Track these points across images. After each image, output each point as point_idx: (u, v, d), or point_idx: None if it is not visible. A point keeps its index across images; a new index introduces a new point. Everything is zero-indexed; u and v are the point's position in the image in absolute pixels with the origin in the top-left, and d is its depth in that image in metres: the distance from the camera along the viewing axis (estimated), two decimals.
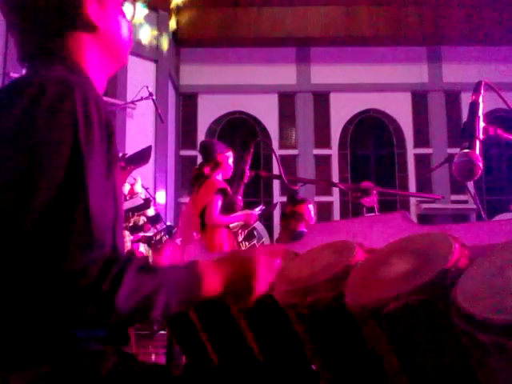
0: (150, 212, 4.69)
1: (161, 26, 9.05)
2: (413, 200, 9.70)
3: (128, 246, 4.12)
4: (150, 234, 4.54)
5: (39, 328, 0.76)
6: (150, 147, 4.30)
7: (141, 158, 4.08)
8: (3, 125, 0.78)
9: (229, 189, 3.51)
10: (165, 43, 9.14)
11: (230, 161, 3.83)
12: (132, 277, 0.75)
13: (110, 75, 1.05)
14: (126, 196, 4.39)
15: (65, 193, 0.74)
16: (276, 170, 8.62)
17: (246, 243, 4.31)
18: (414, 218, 8.92)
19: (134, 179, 4.68)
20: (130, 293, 0.74)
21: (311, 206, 4.49)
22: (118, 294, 0.72)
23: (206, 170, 3.78)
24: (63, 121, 0.76)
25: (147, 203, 4.42)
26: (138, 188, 4.69)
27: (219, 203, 3.58)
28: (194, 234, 3.74)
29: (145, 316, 0.79)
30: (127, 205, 4.09)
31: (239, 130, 10.38)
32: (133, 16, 1.10)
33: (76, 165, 0.76)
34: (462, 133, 1.35)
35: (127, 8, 1.08)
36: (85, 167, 0.76)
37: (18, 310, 0.75)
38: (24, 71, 0.98)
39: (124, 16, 1.05)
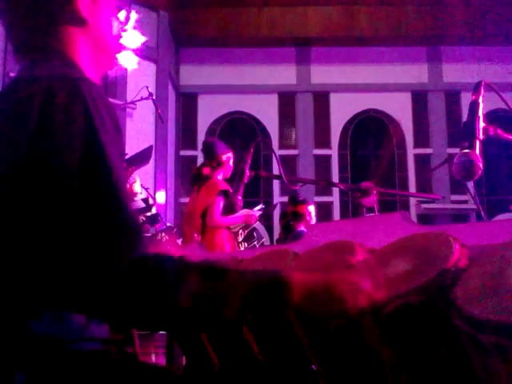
0: (153, 210, 4.66)
1: (161, 25, 9.04)
2: (413, 200, 9.69)
3: None
4: (149, 234, 4.53)
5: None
6: (150, 147, 4.29)
7: (141, 158, 4.08)
8: (16, 133, 0.77)
9: (230, 190, 3.51)
10: (164, 43, 9.13)
11: (231, 162, 3.84)
12: (199, 278, 0.73)
13: (101, 74, 1.06)
14: None
15: (101, 192, 0.74)
16: (276, 170, 8.61)
17: (246, 244, 4.31)
18: (414, 218, 8.91)
19: (133, 179, 4.66)
20: (196, 292, 0.72)
21: (312, 207, 4.50)
22: (181, 293, 0.71)
23: (206, 170, 3.78)
24: (78, 122, 0.77)
25: (148, 206, 4.41)
26: (137, 188, 4.68)
27: (221, 205, 3.58)
28: (195, 234, 3.74)
29: (217, 318, 0.76)
30: None
31: (239, 129, 10.37)
32: (127, 19, 1.10)
33: (103, 162, 0.76)
34: (462, 133, 1.36)
35: (121, 12, 1.08)
36: (110, 162, 0.76)
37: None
38: (20, 70, 0.97)
39: (116, 18, 1.06)
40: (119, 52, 1.08)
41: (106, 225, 0.73)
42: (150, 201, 4.61)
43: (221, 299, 0.74)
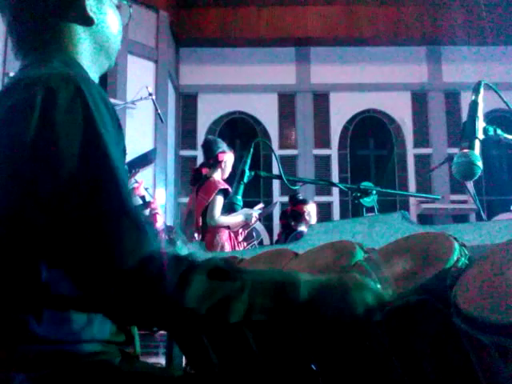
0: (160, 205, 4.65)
1: (161, 25, 9.04)
2: (413, 200, 9.68)
3: None
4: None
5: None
6: (154, 149, 4.29)
7: (145, 160, 4.07)
8: (17, 134, 0.77)
9: (229, 189, 3.51)
10: (164, 43, 9.13)
11: (230, 162, 3.83)
12: (204, 278, 0.73)
13: (101, 73, 1.05)
14: None
15: (104, 193, 0.74)
16: (276, 170, 8.61)
17: (246, 243, 4.31)
18: (413, 218, 8.91)
19: (138, 183, 4.66)
20: (202, 293, 0.71)
21: (313, 207, 4.49)
22: (186, 293, 0.70)
23: (204, 170, 3.79)
24: (81, 123, 0.77)
25: (146, 203, 4.41)
26: (142, 191, 4.67)
27: (220, 204, 3.58)
28: (195, 234, 3.74)
29: (223, 318, 0.74)
30: None
31: (239, 129, 10.37)
32: (129, 18, 1.10)
33: (104, 161, 0.76)
34: (461, 133, 1.36)
35: (123, 11, 1.08)
36: (112, 162, 0.76)
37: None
38: (20, 68, 0.97)
39: (117, 16, 1.06)
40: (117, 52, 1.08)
41: (109, 224, 0.73)
42: (148, 198, 4.60)
43: (226, 301, 0.73)
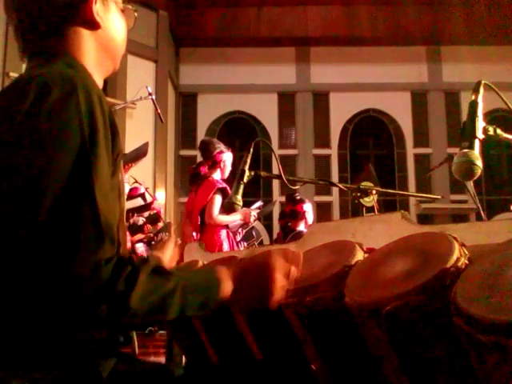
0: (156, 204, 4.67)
1: (160, 25, 9.04)
2: (412, 200, 9.69)
3: (128, 246, 4.11)
4: (150, 234, 4.53)
5: (45, 331, 0.76)
6: (146, 143, 4.32)
7: (138, 154, 4.09)
8: (8, 126, 0.77)
9: (228, 188, 3.51)
10: (164, 43, 9.13)
11: (229, 162, 3.83)
12: (147, 277, 0.76)
13: (105, 76, 1.06)
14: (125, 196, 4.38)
15: (72, 194, 0.74)
16: (276, 170, 8.61)
17: (245, 243, 4.31)
18: (413, 217, 8.91)
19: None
20: (145, 293, 0.74)
21: (310, 206, 4.49)
22: (132, 294, 0.73)
23: (203, 169, 3.79)
24: (68, 122, 0.77)
25: (148, 205, 4.42)
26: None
27: (219, 203, 3.58)
28: (194, 233, 3.74)
29: (160, 317, 0.79)
30: (127, 205, 4.09)
31: (239, 129, 10.37)
32: (133, 21, 1.10)
33: (82, 165, 0.76)
34: (461, 133, 1.35)
35: (128, 15, 1.09)
36: (91, 167, 0.76)
37: (27, 312, 0.74)
38: (24, 68, 0.97)
39: (123, 20, 1.06)
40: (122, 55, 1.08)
41: (72, 230, 0.73)
42: (148, 198, 4.61)
43: (163, 299, 0.77)
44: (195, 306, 0.83)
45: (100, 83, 1.02)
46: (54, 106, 0.76)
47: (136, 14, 1.11)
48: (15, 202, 0.73)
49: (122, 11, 1.06)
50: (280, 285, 0.91)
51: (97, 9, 0.97)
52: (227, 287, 0.88)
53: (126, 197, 4.20)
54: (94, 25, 0.98)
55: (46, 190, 0.73)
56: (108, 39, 1.01)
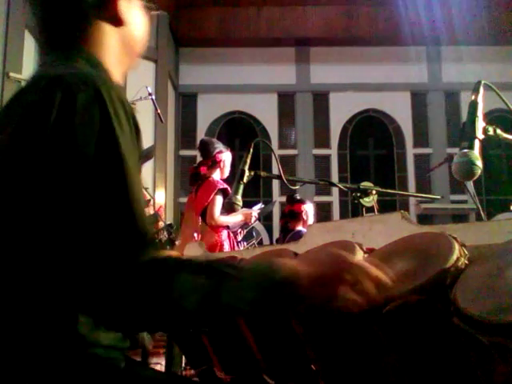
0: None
1: (161, 25, 9.04)
2: (412, 200, 9.69)
3: None
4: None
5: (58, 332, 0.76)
6: (151, 147, 4.30)
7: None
8: (34, 133, 0.77)
9: (229, 189, 3.51)
10: (164, 43, 9.13)
11: (229, 161, 3.83)
12: (190, 275, 0.75)
13: (124, 73, 1.05)
14: None
15: (109, 198, 0.75)
16: (275, 170, 8.61)
17: (245, 243, 4.31)
18: (413, 218, 8.91)
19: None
20: (188, 292, 0.73)
21: (311, 206, 4.49)
22: (178, 294, 0.72)
23: (203, 169, 3.78)
24: (98, 125, 0.76)
25: (155, 216, 4.43)
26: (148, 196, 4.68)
27: (220, 204, 3.58)
28: (195, 234, 3.74)
29: (213, 313, 0.76)
30: None
31: (238, 129, 10.37)
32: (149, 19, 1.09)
33: (118, 164, 0.76)
34: (461, 133, 1.35)
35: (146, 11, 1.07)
36: (126, 165, 0.77)
37: (60, 311, 0.75)
38: (43, 64, 0.96)
39: (144, 17, 1.05)
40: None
41: (113, 230, 0.73)
42: (148, 197, 4.62)
43: (213, 298, 0.74)
44: (253, 301, 0.76)
45: (119, 80, 1.01)
46: (82, 113, 0.76)
47: (153, 12, 1.09)
48: (53, 207, 0.73)
49: (144, 8, 1.05)
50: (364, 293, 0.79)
51: (122, 4, 0.96)
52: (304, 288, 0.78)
53: None
54: (118, 21, 0.96)
55: (86, 192, 0.74)
56: (130, 36, 1.00)
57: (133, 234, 0.75)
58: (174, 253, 0.94)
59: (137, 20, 1.02)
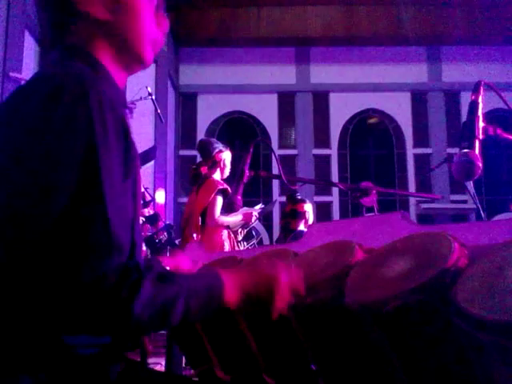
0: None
1: None
2: (412, 200, 9.69)
3: None
4: (149, 233, 4.53)
5: (48, 336, 0.76)
6: (153, 147, 4.30)
7: (144, 158, 4.08)
8: (19, 126, 0.77)
9: (229, 189, 3.51)
10: (164, 43, 9.12)
11: (228, 160, 3.83)
12: (151, 284, 0.75)
13: (131, 72, 1.01)
14: None
15: (81, 199, 0.74)
16: (275, 170, 8.61)
17: (245, 243, 4.31)
18: (413, 217, 8.91)
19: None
20: (148, 300, 0.74)
21: (311, 206, 4.49)
22: (136, 301, 0.73)
23: (204, 169, 3.78)
24: (78, 126, 0.75)
25: (156, 217, 4.43)
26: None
27: (220, 204, 3.58)
28: (194, 234, 3.74)
29: (163, 323, 0.80)
30: None
31: (238, 129, 10.37)
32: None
33: (92, 170, 0.75)
34: (461, 133, 1.35)
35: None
36: (101, 172, 0.75)
37: (29, 317, 0.74)
38: (43, 64, 0.96)
39: (157, 11, 1.01)
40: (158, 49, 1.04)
41: (83, 240, 0.73)
42: (148, 197, 4.62)
43: (167, 305, 0.77)
44: (198, 311, 0.83)
45: (121, 81, 0.98)
46: (65, 112, 0.75)
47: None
48: (22, 207, 0.72)
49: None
50: (284, 300, 0.93)
51: (103, 4, 0.92)
52: (231, 294, 0.89)
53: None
54: (100, 22, 0.93)
55: (53, 194, 0.72)
56: (123, 34, 0.95)
57: (100, 246, 0.74)
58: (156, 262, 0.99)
59: (130, 11, 0.95)
